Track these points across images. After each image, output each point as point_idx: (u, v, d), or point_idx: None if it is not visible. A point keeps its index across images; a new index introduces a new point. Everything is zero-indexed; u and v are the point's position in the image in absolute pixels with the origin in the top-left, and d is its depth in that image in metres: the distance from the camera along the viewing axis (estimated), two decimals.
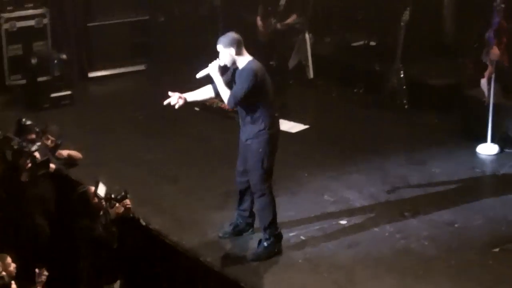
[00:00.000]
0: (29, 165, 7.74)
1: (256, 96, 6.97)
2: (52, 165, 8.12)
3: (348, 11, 12.64)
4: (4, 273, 6.36)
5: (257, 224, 7.44)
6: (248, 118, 7.06)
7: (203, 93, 7.31)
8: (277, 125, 7.22)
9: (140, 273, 7.41)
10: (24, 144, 7.87)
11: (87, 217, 7.14)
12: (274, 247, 7.19)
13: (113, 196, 7.24)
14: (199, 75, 7.12)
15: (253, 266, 7.09)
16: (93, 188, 7.19)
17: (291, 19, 11.03)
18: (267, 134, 7.04)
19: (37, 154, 7.91)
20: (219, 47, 7.02)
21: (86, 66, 11.86)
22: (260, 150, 7.03)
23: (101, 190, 7.18)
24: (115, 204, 7.20)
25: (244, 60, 7.02)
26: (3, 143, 7.83)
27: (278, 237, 7.23)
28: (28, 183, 7.80)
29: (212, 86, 7.25)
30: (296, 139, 9.80)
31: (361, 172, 8.83)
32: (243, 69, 6.99)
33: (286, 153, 9.06)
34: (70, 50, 11.46)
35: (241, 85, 6.94)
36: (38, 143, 8.04)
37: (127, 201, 7.24)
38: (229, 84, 7.08)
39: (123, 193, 7.27)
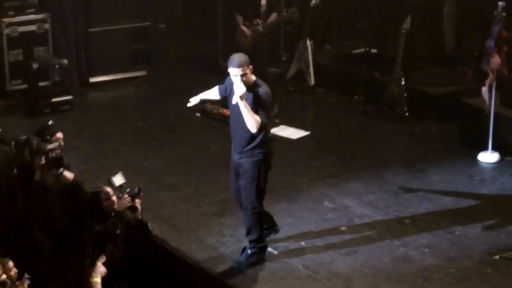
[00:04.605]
0: (43, 162, 7.63)
1: None
2: (68, 175, 7.61)
3: (348, 19, 12.66)
4: (4, 276, 6.32)
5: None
6: (244, 137, 6.98)
7: (212, 94, 7.36)
8: (271, 144, 7.14)
9: (141, 277, 7.39)
10: (42, 143, 7.74)
11: (99, 218, 7.18)
12: (257, 257, 7.20)
13: (128, 190, 7.28)
14: (234, 101, 6.91)
15: (251, 273, 7.09)
16: (107, 188, 7.22)
17: (272, 18, 11.08)
18: (262, 154, 7.00)
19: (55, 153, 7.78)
20: (242, 70, 6.79)
21: (87, 72, 11.86)
22: (255, 169, 6.97)
23: (118, 180, 7.22)
24: (125, 197, 7.24)
25: (253, 80, 6.95)
26: (25, 144, 7.72)
27: (262, 249, 7.24)
28: (36, 197, 7.69)
29: (218, 89, 7.26)
30: (296, 146, 9.81)
31: (361, 180, 8.83)
32: (261, 93, 6.89)
33: (286, 160, 9.11)
34: (71, 55, 11.47)
35: (265, 110, 6.87)
36: (57, 143, 7.84)
37: (137, 201, 7.28)
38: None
39: (136, 190, 7.31)
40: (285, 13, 11.21)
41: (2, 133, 7.90)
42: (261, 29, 11.01)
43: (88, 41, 11.83)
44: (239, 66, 6.82)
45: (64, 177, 7.49)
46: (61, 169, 7.47)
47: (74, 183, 7.56)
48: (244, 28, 11.04)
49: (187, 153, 9.67)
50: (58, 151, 7.54)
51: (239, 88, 6.79)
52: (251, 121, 6.82)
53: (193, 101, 7.39)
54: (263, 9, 11.07)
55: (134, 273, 7.34)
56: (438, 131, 10.19)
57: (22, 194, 7.76)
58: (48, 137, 7.82)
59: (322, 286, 6.92)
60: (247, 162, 7.00)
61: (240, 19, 11.12)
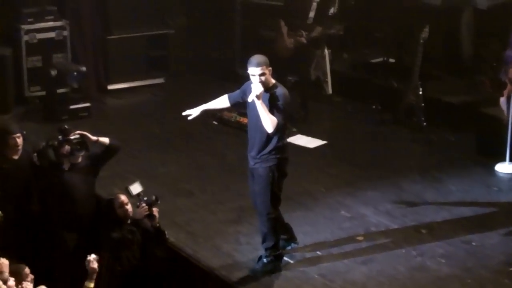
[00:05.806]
0: (68, 149, 7.64)
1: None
2: (104, 139, 7.67)
3: (366, 28, 12.66)
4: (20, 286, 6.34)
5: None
6: (261, 141, 6.99)
7: (219, 103, 7.36)
8: (286, 150, 7.14)
9: (157, 283, 7.40)
10: (63, 137, 7.78)
11: (113, 225, 7.20)
12: (273, 265, 7.20)
13: (145, 198, 7.28)
14: (250, 99, 6.94)
15: (267, 281, 7.09)
16: (122, 196, 7.23)
17: (318, 31, 11.06)
18: (276, 159, 7.00)
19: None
20: (261, 69, 6.84)
21: (105, 79, 11.91)
22: (268, 174, 6.99)
23: (136, 189, 7.24)
24: (142, 205, 7.24)
25: (273, 82, 6.98)
26: (47, 145, 7.76)
27: (278, 257, 7.25)
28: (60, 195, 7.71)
29: (228, 97, 7.26)
30: (313, 154, 9.80)
31: (377, 189, 8.81)
32: (277, 94, 6.92)
33: (302, 168, 9.11)
34: (89, 62, 11.51)
35: (281, 111, 6.90)
36: (78, 135, 7.85)
37: (155, 209, 7.29)
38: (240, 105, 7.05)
39: (153, 198, 7.32)
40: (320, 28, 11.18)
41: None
42: (304, 40, 10.98)
43: (106, 48, 11.87)
44: (258, 65, 6.86)
45: (101, 142, 7.60)
46: (95, 138, 7.57)
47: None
48: (287, 39, 11.01)
49: (204, 159, 9.68)
50: (80, 140, 7.61)
51: (256, 87, 6.84)
52: (267, 121, 6.84)
53: (194, 113, 7.34)
54: (309, 21, 11.05)
55: (150, 280, 7.36)
56: (456, 140, 10.16)
57: (40, 195, 7.81)
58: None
59: None
60: (261, 167, 7.03)
61: (285, 29, 11.10)
